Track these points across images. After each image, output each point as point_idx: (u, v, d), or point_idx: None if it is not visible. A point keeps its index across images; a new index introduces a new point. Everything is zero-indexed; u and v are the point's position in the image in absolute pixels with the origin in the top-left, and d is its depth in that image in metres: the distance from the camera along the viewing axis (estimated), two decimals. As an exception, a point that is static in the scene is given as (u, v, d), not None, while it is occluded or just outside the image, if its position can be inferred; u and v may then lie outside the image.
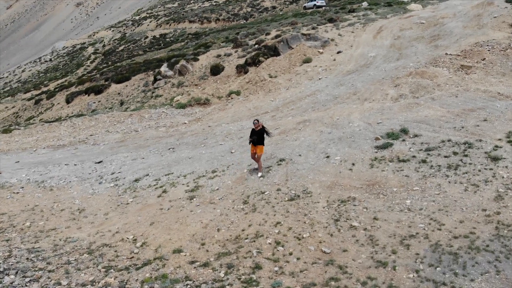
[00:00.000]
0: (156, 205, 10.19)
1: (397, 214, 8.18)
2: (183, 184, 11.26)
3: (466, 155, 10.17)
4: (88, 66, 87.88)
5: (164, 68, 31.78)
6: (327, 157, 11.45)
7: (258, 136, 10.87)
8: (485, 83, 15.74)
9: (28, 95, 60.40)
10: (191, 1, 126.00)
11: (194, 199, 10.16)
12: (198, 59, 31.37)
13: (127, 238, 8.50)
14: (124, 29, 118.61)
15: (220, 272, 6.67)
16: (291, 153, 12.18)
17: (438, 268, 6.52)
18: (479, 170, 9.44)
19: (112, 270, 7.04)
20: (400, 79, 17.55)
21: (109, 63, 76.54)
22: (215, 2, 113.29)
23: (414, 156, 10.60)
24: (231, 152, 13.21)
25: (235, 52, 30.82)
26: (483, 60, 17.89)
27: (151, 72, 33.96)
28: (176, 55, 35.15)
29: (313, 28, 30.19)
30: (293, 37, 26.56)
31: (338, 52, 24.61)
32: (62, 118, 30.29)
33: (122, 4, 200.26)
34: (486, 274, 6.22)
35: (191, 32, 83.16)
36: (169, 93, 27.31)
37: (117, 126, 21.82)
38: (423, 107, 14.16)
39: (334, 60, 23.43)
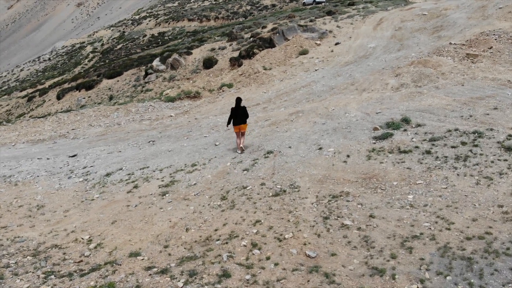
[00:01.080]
0: (124, 201, 8.96)
1: (397, 211, 6.94)
2: (157, 179, 10.04)
3: (476, 145, 8.93)
4: (86, 64, 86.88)
5: (156, 63, 30.61)
6: (320, 148, 10.23)
7: (243, 114, 11.13)
8: (493, 72, 14.49)
9: (24, 93, 59.43)
10: (191, 0, 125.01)
11: (167, 195, 8.93)
12: (191, 53, 30.17)
13: (82, 239, 7.28)
14: (123, 29, 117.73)
15: (179, 280, 5.44)
16: (281, 145, 10.96)
17: (448, 277, 5.29)
18: (492, 161, 8.19)
19: (52, 277, 5.84)
20: (401, 69, 16.31)
21: (107, 61, 75.59)
22: (215, 1, 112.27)
23: (417, 147, 9.36)
24: (215, 145, 11.99)
25: (230, 45, 29.63)
26: (490, 48, 16.64)
27: (144, 67, 32.78)
28: (169, 50, 33.96)
29: (311, 21, 28.98)
30: (289, 28, 25.34)
31: (336, 44, 23.38)
32: (50, 114, 29.14)
33: (122, 4, 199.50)
34: (509, 285, 4.98)
35: (190, 30, 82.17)
36: (159, 87, 26.13)
37: (102, 120, 20.62)
38: (427, 96, 12.93)
39: (332, 51, 22.21)
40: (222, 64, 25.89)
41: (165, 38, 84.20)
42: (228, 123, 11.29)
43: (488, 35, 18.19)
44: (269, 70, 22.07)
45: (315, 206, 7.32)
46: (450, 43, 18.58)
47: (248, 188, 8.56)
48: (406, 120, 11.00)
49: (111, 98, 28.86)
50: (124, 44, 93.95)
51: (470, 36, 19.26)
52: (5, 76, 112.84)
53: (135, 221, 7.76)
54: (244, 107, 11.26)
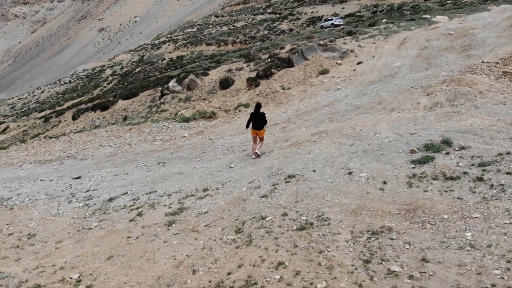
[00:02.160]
0: (124, 231, 7.79)
1: (456, 253, 5.56)
2: (164, 205, 8.86)
3: (538, 172, 7.51)
4: (105, 87, 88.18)
5: (172, 83, 30.04)
6: (349, 173, 8.93)
7: (261, 120, 11.25)
8: (539, 90, 13.09)
9: (42, 114, 60.05)
10: (210, 26, 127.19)
11: (174, 225, 7.72)
12: (208, 74, 29.54)
13: (70, 278, 6.10)
14: (143, 53, 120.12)
15: None
16: (303, 168, 9.71)
17: None
18: None
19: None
20: (432, 88, 15.02)
21: (125, 83, 76.48)
22: (233, 26, 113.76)
23: (465, 173, 7.98)
24: (230, 167, 10.81)
25: (247, 66, 28.90)
26: (530, 66, 15.26)
27: (160, 88, 32.28)
28: (186, 71, 33.46)
29: (331, 41, 28.10)
30: (308, 48, 24.45)
31: (359, 63, 22.30)
32: (64, 134, 28.65)
33: (143, 30, 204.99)
34: None
35: (208, 54, 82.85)
36: (174, 108, 25.37)
37: (113, 140, 19.80)
38: (466, 115, 11.57)
39: (354, 70, 21.10)
40: (239, 84, 25.05)
41: (183, 61, 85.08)
42: (247, 126, 11.57)
43: (525, 53, 16.82)
44: (288, 89, 21.05)
45: (351, 245, 5.99)
46: (483, 62, 17.26)
47: (267, 219, 7.29)
48: (447, 142, 9.64)
49: (125, 118, 28.23)
50: (143, 67, 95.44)
51: (503, 55, 17.94)
52: (26, 97, 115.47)
53: (134, 257, 6.55)
54: (263, 114, 11.37)
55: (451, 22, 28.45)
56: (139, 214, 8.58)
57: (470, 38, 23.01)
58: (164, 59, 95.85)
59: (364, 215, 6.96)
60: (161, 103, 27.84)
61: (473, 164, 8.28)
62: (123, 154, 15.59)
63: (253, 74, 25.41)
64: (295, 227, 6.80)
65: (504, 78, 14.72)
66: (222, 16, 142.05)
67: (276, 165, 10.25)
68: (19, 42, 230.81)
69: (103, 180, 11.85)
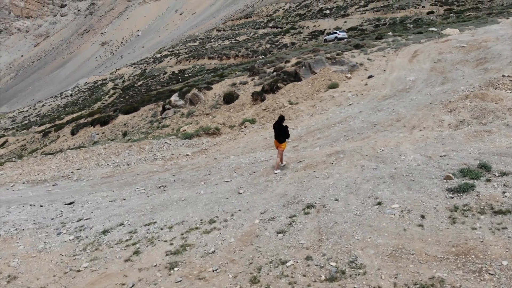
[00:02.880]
0: (118, 276, 6.62)
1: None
2: (165, 241, 7.69)
3: None
4: (106, 100, 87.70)
5: (174, 98, 29.08)
6: (379, 203, 7.78)
7: (278, 133, 10.82)
8: None
9: (42, 128, 59.21)
10: (212, 40, 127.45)
11: (176, 268, 6.55)
12: (211, 88, 28.57)
13: None
14: (145, 66, 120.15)
15: None
16: (323, 196, 8.56)
17: None
18: None
19: None
20: (454, 103, 13.95)
21: (126, 97, 75.91)
22: (235, 40, 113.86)
23: (517, 206, 6.84)
24: (239, 193, 9.66)
25: (252, 80, 27.95)
26: (560, 80, 14.21)
27: (161, 103, 31.31)
28: (189, 85, 32.52)
29: (338, 54, 27.19)
30: (316, 61, 23.50)
31: (370, 77, 21.29)
32: (61, 151, 27.58)
33: (145, 44, 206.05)
34: None
35: (210, 68, 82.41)
36: (177, 123, 24.31)
37: (112, 158, 18.68)
38: (499, 135, 10.46)
39: (366, 84, 20.07)
40: (244, 99, 24.03)
41: (185, 75, 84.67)
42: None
43: (549, 66, 15.79)
44: (296, 104, 20.01)
45: (399, 304, 4.82)
46: (503, 76, 16.23)
47: (288, 264, 6.12)
48: (485, 167, 8.50)
49: (125, 134, 27.18)
50: (145, 81, 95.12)
51: (526, 68, 16.92)
52: (27, 111, 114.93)
53: (128, 315, 5.40)
54: (285, 127, 10.90)
55: (462, 35, 27.56)
56: (136, 252, 7.41)
57: (484, 51, 22.06)
58: (166, 72, 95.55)
59: (406, 260, 5.79)
60: (163, 118, 26.81)
61: (524, 195, 7.14)
62: (121, 175, 14.46)
63: (258, 88, 24.42)
64: (323, 277, 5.62)
65: (532, 93, 13.66)
66: (224, 30, 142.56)
67: (292, 192, 9.11)
68: (22, 56, 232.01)
69: (98, 207, 10.70)
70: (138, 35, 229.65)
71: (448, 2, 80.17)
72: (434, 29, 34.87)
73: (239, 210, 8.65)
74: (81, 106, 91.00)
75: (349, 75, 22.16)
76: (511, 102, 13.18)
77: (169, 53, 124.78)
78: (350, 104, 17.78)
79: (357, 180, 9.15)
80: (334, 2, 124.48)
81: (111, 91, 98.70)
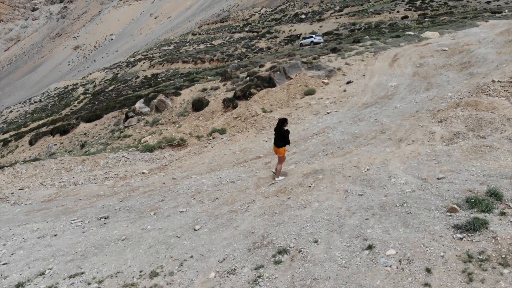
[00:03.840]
0: None
1: None
2: (87, 307, 5.70)
3: None
4: (75, 106, 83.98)
5: (139, 104, 26.85)
6: (369, 247, 6.03)
7: (277, 137, 9.78)
8: None
9: (6, 136, 55.45)
10: (187, 44, 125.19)
11: None
12: (180, 94, 26.54)
13: None
14: (118, 70, 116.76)
15: None
16: (299, 235, 6.76)
17: None
18: None
19: None
20: (444, 112, 12.48)
21: (96, 102, 72.75)
22: (210, 44, 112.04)
23: (549, 253, 5.21)
24: (194, 230, 7.74)
25: (224, 85, 26.10)
26: (555, 86, 12.96)
27: (126, 110, 29.01)
28: (157, 91, 30.31)
29: (314, 59, 25.69)
30: (291, 65, 21.85)
31: (348, 82, 19.79)
32: (12, 164, 24.92)
33: (119, 48, 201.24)
34: None
35: (184, 72, 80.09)
36: (139, 133, 22.15)
37: (62, 175, 16.38)
38: (502, 152, 8.94)
39: (345, 91, 18.52)
40: (214, 106, 22.13)
41: (158, 79, 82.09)
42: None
43: (541, 71, 14.60)
44: (270, 112, 18.25)
45: None
46: (493, 81, 14.95)
47: None
48: (495, 195, 6.90)
49: (83, 145, 24.75)
50: (116, 85, 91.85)
51: (514, 73, 15.75)
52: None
53: None
54: (286, 131, 9.81)
55: (442, 38, 26.57)
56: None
57: (467, 55, 20.97)
58: (138, 77, 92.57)
59: None
60: (125, 127, 24.56)
61: (555, 237, 5.52)
62: (63, 199, 12.26)
63: (230, 94, 22.59)
64: None
65: (528, 101, 12.32)
66: (200, 34, 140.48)
67: (260, 228, 7.25)
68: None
69: (22, 246, 8.54)
70: (111, 39, 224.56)
71: (422, 7, 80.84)
72: (411, 32, 33.95)
73: (192, 256, 6.73)
74: (49, 112, 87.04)
75: (326, 81, 20.61)
76: (508, 111, 11.79)
77: (143, 57, 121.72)
78: (328, 113, 16.14)
79: (341, 212, 7.38)
80: (310, 7, 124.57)
81: (81, 97, 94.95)
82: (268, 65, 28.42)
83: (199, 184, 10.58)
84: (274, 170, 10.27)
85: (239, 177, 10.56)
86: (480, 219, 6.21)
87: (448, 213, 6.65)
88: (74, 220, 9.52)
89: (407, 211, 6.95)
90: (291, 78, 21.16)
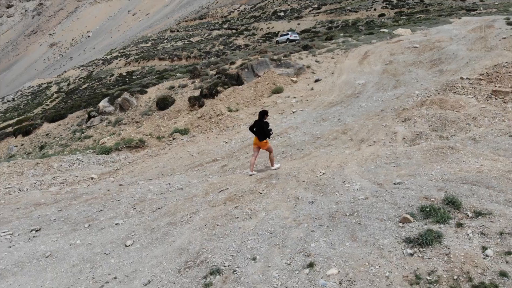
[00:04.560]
0: None
1: None
2: None
3: None
4: (47, 105, 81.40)
5: (103, 103, 25.69)
6: (310, 265, 5.37)
7: (258, 130, 9.52)
8: (543, 115, 10.30)
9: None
10: (165, 41, 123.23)
11: None
12: (146, 92, 25.50)
13: None
14: (93, 68, 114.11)
15: None
16: (238, 250, 6.04)
17: None
18: None
19: None
20: (409, 111, 11.98)
21: (69, 101, 70.59)
22: (188, 41, 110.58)
23: (503, 274, 4.63)
24: (126, 246, 6.92)
25: (192, 83, 25.19)
26: (521, 83, 12.63)
27: (92, 109, 27.78)
28: (122, 89, 29.14)
29: (285, 56, 25.05)
30: (260, 63, 21.15)
31: (317, 80, 19.22)
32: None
33: (96, 45, 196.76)
34: None
35: (160, 70, 78.58)
36: (100, 133, 21.07)
37: (13, 179, 15.24)
38: (465, 154, 8.43)
39: (312, 89, 17.94)
40: (180, 104, 21.25)
41: (133, 77, 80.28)
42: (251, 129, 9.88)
43: (509, 68, 14.30)
44: (235, 112, 17.50)
45: None
46: (462, 78, 14.61)
47: None
48: (453, 202, 6.33)
49: (42, 147, 23.47)
50: (90, 83, 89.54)
51: (482, 70, 15.47)
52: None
53: None
54: (266, 123, 9.47)
55: (414, 35, 26.32)
56: None
57: (438, 52, 20.70)
58: (113, 74, 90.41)
59: None
60: (87, 128, 23.40)
61: (509, 253, 4.95)
62: (3, 207, 11.19)
63: (198, 92, 21.73)
64: None
65: (496, 99, 11.94)
66: (178, 31, 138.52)
67: (197, 244, 6.49)
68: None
69: None
70: (88, 36, 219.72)
71: (399, 5, 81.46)
72: (385, 30, 33.71)
73: (115, 277, 5.92)
74: (21, 111, 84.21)
75: (295, 79, 19.99)
76: (474, 109, 11.38)
77: (119, 55, 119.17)
78: (293, 112, 15.50)
79: (287, 222, 6.70)
80: (289, 5, 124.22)
81: (55, 95, 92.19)
82: (239, 62, 27.67)
83: (144, 192, 9.74)
84: (251, 172, 9.75)
85: (189, 183, 9.77)
86: (433, 232, 5.62)
87: (401, 224, 6.04)
88: (4, 232, 8.54)
89: (357, 222, 6.31)
90: (259, 76, 20.46)
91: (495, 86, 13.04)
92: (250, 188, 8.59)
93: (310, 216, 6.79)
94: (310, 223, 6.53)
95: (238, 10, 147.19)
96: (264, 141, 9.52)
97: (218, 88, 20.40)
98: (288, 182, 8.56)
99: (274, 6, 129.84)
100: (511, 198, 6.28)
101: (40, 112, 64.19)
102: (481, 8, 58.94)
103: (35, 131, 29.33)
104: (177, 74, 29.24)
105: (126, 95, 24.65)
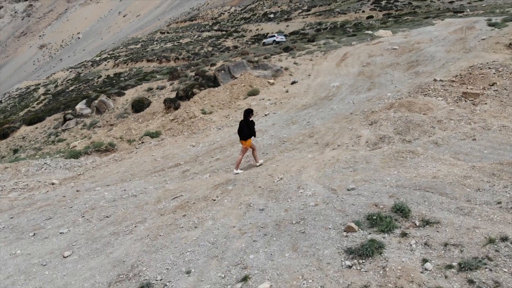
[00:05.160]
0: None
1: None
2: None
3: None
4: (33, 107, 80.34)
5: (80, 106, 25.21)
6: (244, 279, 5.07)
7: (240, 129, 9.71)
8: (509, 117, 10.12)
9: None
10: (154, 42, 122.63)
11: None
12: (123, 94, 25.08)
13: None
14: (82, 70, 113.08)
15: None
16: (174, 263, 5.72)
17: None
18: None
19: None
20: (376, 114, 11.76)
21: (56, 103, 69.78)
22: (177, 42, 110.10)
23: (439, 289, 4.37)
24: (64, 256, 6.57)
25: (171, 84, 24.84)
26: (492, 85, 12.48)
27: (68, 111, 27.25)
28: (100, 91, 28.62)
29: (265, 58, 24.82)
30: (236, 64, 20.86)
31: (293, 83, 18.98)
32: None
33: (87, 47, 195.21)
34: None
35: (148, 71, 78.02)
36: (74, 137, 20.62)
37: (-24, 186, 14.73)
38: (425, 158, 8.20)
39: (287, 91, 17.69)
40: (156, 106, 20.87)
41: (121, 78, 79.59)
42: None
43: (482, 69, 14.15)
44: (209, 114, 17.19)
45: None
46: (435, 80, 14.44)
47: None
48: (401, 210, 6.06)
49: (16, 151, 22.91)
50: (77, 85, 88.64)
51: (457, 71, 15.33)
52: None
53: None
54: (251, 122, 9.71)
55: (394, 37, 26.23)
56: None
57: (416, 53, 20.58)
58: (101, 76, 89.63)
59: None
60: (63, 130, 22.92)
61: (450, 267, 4.69)
62: (-45, 214, 10.76)
63: (175, 94, 21.38)
64: None
65: (466, 101, 11.77)
66: (168, 32, 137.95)
67: (134, 256, 6.16)
68: None
69: None
70: (78, 38, 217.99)
71: (387, 7, 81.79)
72: (370, 31, 33.65)
73: (40, 294, 5.57)
74: (8, 114, 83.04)
75: (272, 81, 19.73)
76: (442, 112, 11.18)
77: (109, 56, 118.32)
78: (266, 115, 15.22)
79: (231, 232, 6.39)
80: (279, 6, 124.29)
81: (42, 97, 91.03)
82: (220, 63, 27.36)
83: (98, 198, 9.37)
84: (237, 171, 9.70)
85: (145, 190, 9.42)
86: (376, 242, 5.35)
87: (345, 233, 5.76)
88: None
89: (302, 230, 6.03)
90: (236, 78, 20.17)
91: (467, 88, 12.89)
92: (204, 195, 8.27)
93: (256, 224, 6.49)
94: (255, 232, 6.24)
95: (229, 12, 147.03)
96: (249, 140, 9.64)
97: (194, 90, 20.07)
98: (244, 188, 8.26)
99: (265, 8, 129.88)
100: (463, 206, 6.03)
101: (23, 115, 63.24)
102: (468, 10, 59.36)
103: (13, 134, 28.71)
104: (157, 76, 28.84)
105: (102, 97, 24.21)
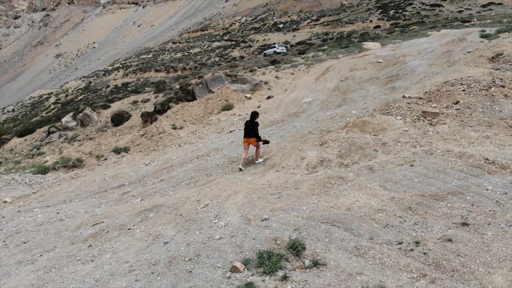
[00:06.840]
0: None
1: None
2: None
3: None
4: (42, 116, 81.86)
5: (66, 118, 25.36)
6: (99, 326, 4.71)
7: (248, 129, 10.73)
8: (460, 140, 9.56)
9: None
10: (166, 52, 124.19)
11: None
12: (109, 106, 25.14)
13: None
14: (94, 79, 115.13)
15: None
16: (47, 302, 5.41)
17: None
18: None
19: None
20: (330, 134, 11.31)
21: (64, 113, 70.94)
22: (187, 53, 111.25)
23: None
24: (-49, 290, 6.33)
25: (155, 98, 24.79)
26: (455, 104, 11.91)
27: (53, 124, 27.46)
28: (88, 104, 28.78)
29: (251, 71, 24.59)
30: (214, 78, 20.66)
31: (269, 97, 18.66)
32: None
33: (102, 56, 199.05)
34: None
35: (155, 81, 78.85)
36: (53, 150, 20.64)
37: None
38: (351, 185, 7.74)
39: (259, 107, 17.35)
40: (135, 120, 20.79)
41: (128, 88, 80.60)
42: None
43: (453, 85, 13.56)
44: (180, 129, 16.96)
45: None
46: (404, 96, 13.92)
47: None
48: (295, 247, 5.64)
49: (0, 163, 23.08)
50: (86, 95, 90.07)
51: (430, 87, 14.77)
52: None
53: None
54: (255, 123, 10.77)
55: (383, 49, 25.71)
56: None
57: (399, 67, 20.04)
58: (109, 86, 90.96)
59: None
60: (46, 144, 23.02)
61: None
62: None
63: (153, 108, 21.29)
64: None
65: (424, 121, 11.24)
66: (180, 42, 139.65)
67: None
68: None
69: None
70: (94, 47, 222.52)
71: (395, 16, 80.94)
72: (364, 43, 33.15)
73: None
74: (18, 122, 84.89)
75: (249, 95, 19.46)
76: (393, 133, 10.67)
77: (121, 66, 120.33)
78: (231, 131, 14.91)
79: (121, 268, 6.05)
80: (289, 16, 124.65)
81: (52, 106, 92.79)
82: (209, 76, 27.24)
83: (29, 221, 9.16)
84: (241, 166, 10.50)
85: (75, 214, 9.18)
86: (252, 286, 4.95)
87: (228, 274, 5.37)
88: None
89: (190, 269, 5.65)
90: (213, 92, 19.96)
91: (431, 106, 12.35)
92: (122, 223, 7.97)
93: (150, 260, 6.14)
94: (143, 270, 5.88)
95: (240, 22, 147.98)
96: (254, 138, 10.60)
97: (170, 104, 19.93)
98: (164, 216, 7.93)
99: (275, 17, 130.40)
100: (362, 245, 5.58)
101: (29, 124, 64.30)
102: (475, 19, 58.22)
103: (3, 146, 29.04)
104: (146, 88, 28.88)
105: (87, 110, 24.29)
